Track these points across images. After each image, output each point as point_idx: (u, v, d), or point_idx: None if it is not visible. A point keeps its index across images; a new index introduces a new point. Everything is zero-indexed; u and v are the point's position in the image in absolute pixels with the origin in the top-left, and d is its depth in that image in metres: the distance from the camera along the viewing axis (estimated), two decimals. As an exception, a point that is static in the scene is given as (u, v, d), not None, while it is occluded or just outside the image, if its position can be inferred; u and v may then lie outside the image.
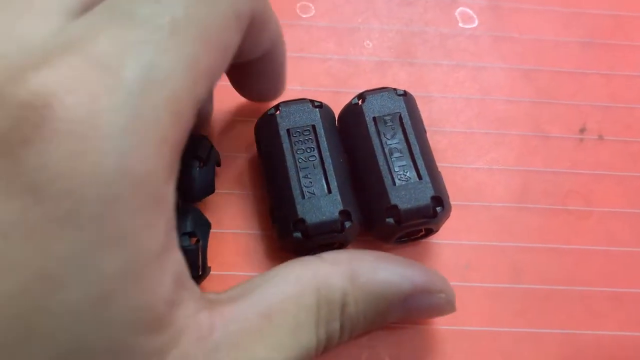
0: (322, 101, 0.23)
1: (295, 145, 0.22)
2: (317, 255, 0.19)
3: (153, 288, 0.13)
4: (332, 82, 0.27)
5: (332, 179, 0.21)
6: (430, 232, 0.23)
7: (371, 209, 0.22)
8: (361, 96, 0.23)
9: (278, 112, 0.22)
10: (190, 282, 0.15)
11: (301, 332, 0.17)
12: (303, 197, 0.21)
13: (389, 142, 0.22)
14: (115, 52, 0.13)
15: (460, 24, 0.29)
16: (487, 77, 0.28)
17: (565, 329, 0.23)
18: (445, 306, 0.20)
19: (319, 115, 0.22)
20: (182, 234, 0.20)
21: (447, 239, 0.24)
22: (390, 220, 0.21)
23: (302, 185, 0.21)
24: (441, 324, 0.23)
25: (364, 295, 0.18)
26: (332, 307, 0.17)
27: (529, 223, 0.25)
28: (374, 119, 0.22)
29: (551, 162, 0.26)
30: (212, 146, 0.23)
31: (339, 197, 0.21)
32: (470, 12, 0.29)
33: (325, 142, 0.22)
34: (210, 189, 0.22)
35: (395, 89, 0.23)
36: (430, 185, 0.21)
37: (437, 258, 0.24)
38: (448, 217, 0.22)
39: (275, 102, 0.23)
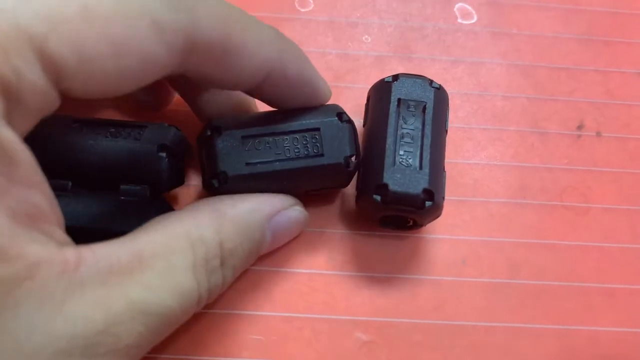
0: None
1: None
2: (181, 209, 0.20)
3: None
4: (330, 76, 0.27)
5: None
6: (417, 225, 0.23)
7: (364, 181, 0.22)
8: (396, 77, 0.23)
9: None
10: (51, 223, 0.16)
11: (176, 274, 0.17)
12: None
13: (404, 125, 0.22)
14: None
15: (459, 20, 0.29)
16: (485, 73, 0.28)
17: (562, 324, 0.23)
18: (301, 217, 0.22)
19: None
20: None
21: (444, 234, 0.24)
22: (377, 197, 0.21)
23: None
24: (439, 319, 0.23)
25: (235, 227, 0.19)
26: (209, 246, 0.18)
27: (526, 219, 0.25)
28: (399, 100, 0.23)
29: (548, 158, 0.26)
30: (182, 137, 0.22)
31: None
32: (469, 7, 0.29)
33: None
34: (179, 181, 0.22)
35: (431, 80, 0.23)
36: (427, 177, 0.21)
37: (434, 253, 0.24)
38: (438, 216, 0.22)
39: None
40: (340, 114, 0.21)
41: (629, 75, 0.28)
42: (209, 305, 0.22)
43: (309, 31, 0.28)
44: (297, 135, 0.21)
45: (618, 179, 0.26)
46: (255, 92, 0.20)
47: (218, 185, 0.20)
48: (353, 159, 0.21)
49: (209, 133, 0.20)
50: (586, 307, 0.23)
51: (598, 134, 0.27)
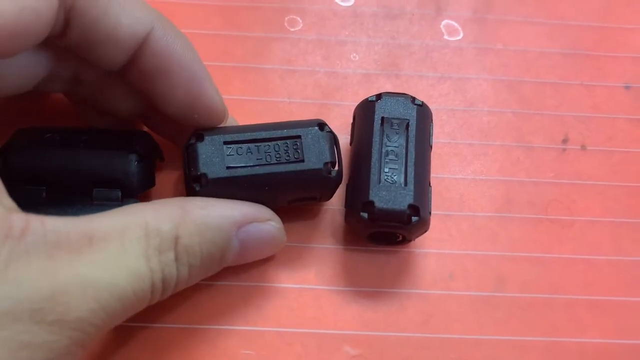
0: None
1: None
2: (148, 202, 0.20)
3: None
4: (319, 94, 0.28)
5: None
6: (405, 240, 0.23)
7: (351, 199, 0.23)
8: (379, 96, 0.24)
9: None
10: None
11: (127, 258, 0.17)
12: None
13: (388, 143, 0.23)
14: None
15: (446, 36, 0.29)
16: (472, 88, 0.28)
17: (548, 336, 0.23)
18: (277, 234, 0.22)
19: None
20: None
21: (430, 248, 0.25)
22: (364, 215, 0.22)
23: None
24: (427, 333, 0.23)
25: (197, 227, 0.19)
26: (164, 237, 0.18)
27: (512, 233, 0.25)
28: (382, 118, 0.23)
29: (534, 172, 0.26)
30: (151, 139, 0.23)
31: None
32: (456, 24, 0.30)
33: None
34: (150, 183, 0.23)
35: (413, 98, 0.24)
36: (412, 193, 0.22)
37: (421, 267, 0.24)
38: (425, 231, 0.23)
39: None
40: (322, 125, 0.22)
41: (613, 88, 0.29)
42: (201, 321, 0.23)
43: (298, 50, 0.28)
44: (278, 142, 0.21)
45: (602, 192, 0.26)
46: (134, 71, 0.20)
47: (199, 188, 0.21)
48: (334, 167, 0.22)
49: (192, 140, 0.21)
50: (573, 319, 0.24)
51: (583, 147, 0.27)
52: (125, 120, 0.24)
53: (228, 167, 0.21)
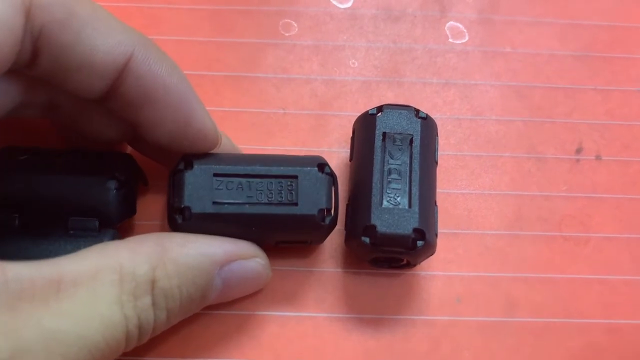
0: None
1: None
2: (124, 239, 0.18)
3: None
4: (316, 104, 0.26)
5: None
6: (410, 264, 0.22)
7: (352, 222, 0.21)
8: (380, 108, 0.22)
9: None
10: None
11: (99, 305, 0.16)
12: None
13: (391, 161, 0.21)
14: None
15: (450, 40, 0.28)
16: (478, 95, 0.26)
17: (563, 363, 0.22)
18: (262, 271, 0.20)
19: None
20: None
21: (436, 270, 0.23)
22: (366, 239, 0.20)
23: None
24: (432, 361, 0.22)
25: (176, 268, 0.18)
26: (140, 281, 0.17)
27: (523, 252, 0.24)
28: (384, 134, 0.22)
29: (546, 185, 0.25)
30: (134, 164, 0.22)
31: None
32: (461, 26, 0.28)
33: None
34: (130, 211, 0.22)
35: (417, 110, 0.22)
36: (417, 216, 0.20)
37: (427, 291, 0.23)
38: (431, 254, 0.21)
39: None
40: (322, 165, 0.20)
41: (630, 93, 0.27)
42: (193, 354, 0.21)
43: (293, 57, 0.27)
44: (272, 180, 0.20)
45: (619, 206, 0.25)
46: (116, 98, 0.19)
47: (181, 221, 0.19)
48: (329, 214, 0.20)
49: (180, 166, 0.20)
50: (589, 344, 0.22)
51: (597, 157, 0.25)
52: (110, 144, 0.23)
53: (214, 203, 0.19)
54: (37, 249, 0.20)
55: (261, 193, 0.20)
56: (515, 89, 0.27)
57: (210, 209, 0.19)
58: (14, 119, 0.20)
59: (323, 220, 0.20)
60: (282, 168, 0.20)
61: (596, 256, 0.24)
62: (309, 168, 0.20)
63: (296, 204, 0.20)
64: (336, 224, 0.21)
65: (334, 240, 0.23)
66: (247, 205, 0.19)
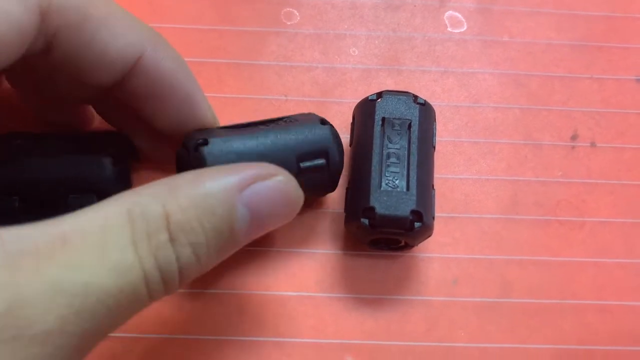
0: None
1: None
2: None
3: None
4: (317, 91, 0.26)
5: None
6: (408, 245, 0.22)
7: (351, 204, 0.22)
8: (380, 94, 0.23)
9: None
10: None
11: (110, 251, 0.15)
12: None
13: (389, 145, 0.22)
14: None
15: (449, 29, 0.28)
16: (476, 83, 0.27)
17: (557, 344, 0.23)
18: (289, 189, 0.18)
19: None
20: None
21: (434, 252, 0.24)
22: (365, 221, 0.21)
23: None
24: (430, 341, 0.22)
25: (190, 200, 0.16)
26: (151, 217, 0.15)
27: (519, 235, 0.24)
28: (383, 119, 0.22)
29: (542, 171, 0.25)
30: (127, 140, 0.23)
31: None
32: (460, 16, 0.28)
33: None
34: (126, 185, 0.22)
35: (416, 96, 0.23)
36: (414, 198, 0.21)
37: (424, 273, 0.23)
38: (429, 236, 0.22)
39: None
40: (323, 120, 0.22)
41: (625, 82, 0.27)
42: (195, 332, 0.22)
43: (294, 45, 0.27)
44: (278, 122, 0.21)
45: (613, 191, 0.25)
46: (123, 90, 0.19)
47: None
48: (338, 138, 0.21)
49: (200, 140, 0.20)
50: (582, 325, 0.23)
51: (592, 144, 0.26)
52: (76, 106, 0.23)
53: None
54: None
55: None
56: (512, 77, 0.27)
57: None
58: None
59: (324, 124, 0.21)
60: (285, 119, 0.22)
61: (590, 240, 0.24)
62: (311, 120, 0.21)
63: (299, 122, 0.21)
64: (343, 158, 0.22)
65: (334, 223, 0.24)
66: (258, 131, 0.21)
